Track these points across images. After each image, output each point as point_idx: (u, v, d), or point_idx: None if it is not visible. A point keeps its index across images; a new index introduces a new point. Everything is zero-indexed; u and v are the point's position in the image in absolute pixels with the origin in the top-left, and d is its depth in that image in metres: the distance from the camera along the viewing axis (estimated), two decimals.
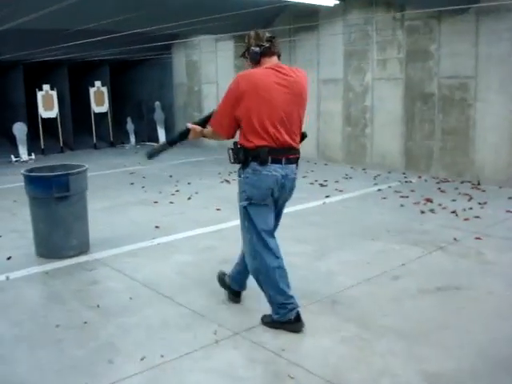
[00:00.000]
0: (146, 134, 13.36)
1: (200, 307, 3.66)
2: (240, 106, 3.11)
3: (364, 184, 7.87)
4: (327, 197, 7.02)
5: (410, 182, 7.98)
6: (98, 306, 3.75)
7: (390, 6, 8.39)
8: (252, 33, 3.28)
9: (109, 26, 8.23)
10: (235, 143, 3.23)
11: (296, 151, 3.28)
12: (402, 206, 6.53)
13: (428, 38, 8.04)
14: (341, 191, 7.35)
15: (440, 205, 6.47)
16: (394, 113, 8.66)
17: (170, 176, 8.83)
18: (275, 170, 3.16)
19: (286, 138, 3.18)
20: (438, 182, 7.86)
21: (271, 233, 3.35)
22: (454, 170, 8.04)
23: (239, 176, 3.28)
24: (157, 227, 5.72)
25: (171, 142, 3.54)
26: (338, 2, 7.98)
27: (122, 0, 7.92)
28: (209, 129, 3.34)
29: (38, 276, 4.44)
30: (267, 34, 3.25)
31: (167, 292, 3.96)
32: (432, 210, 6.24)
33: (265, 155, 3.12)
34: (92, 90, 12.55)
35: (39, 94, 11.77)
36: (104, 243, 5.20)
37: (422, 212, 6.20)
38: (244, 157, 3.17)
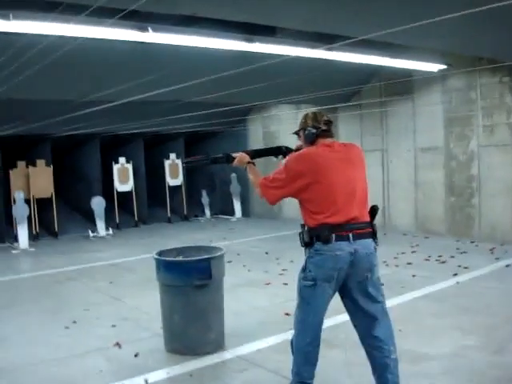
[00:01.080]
0: (219, 207, 12.99)
1: None
2: (298, 185, 3.12)
3: (485, 259, 7.20)
4: (455, 275, 6.37)
5: None
6: None
7: (495, 69, 7.96)
8: (310, 114, 3.31)
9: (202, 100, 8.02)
10: (302, 225, 3.19)
11: (365, 225, 3.15)
12: None
13: None
14: (466, 268, 6.68)
15: None
16: (504, 181, 8.05)
17: (266, 253, 8.29)
18: (340, 249, 3.04)
19: (353, 212, 3.10)
20: None
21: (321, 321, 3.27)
22: None
23: (305, 254, 3.19)
24: (287, 314, 5.12)
25: (214, 160, 3.63)
26: (443, 67, 7.58)
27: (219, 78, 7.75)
28: (256, 177, 3.40)
29: (181, 379, 3.87)
30: (325, 118, 3.27)
31: None
32: None
33: (325, 233, 3.03)
34: (167, 163, 12.35)
35: (115, 167, 11.61)
36: (236, 335, 4.63)
37: None
38: (309, 237, 3.11)
